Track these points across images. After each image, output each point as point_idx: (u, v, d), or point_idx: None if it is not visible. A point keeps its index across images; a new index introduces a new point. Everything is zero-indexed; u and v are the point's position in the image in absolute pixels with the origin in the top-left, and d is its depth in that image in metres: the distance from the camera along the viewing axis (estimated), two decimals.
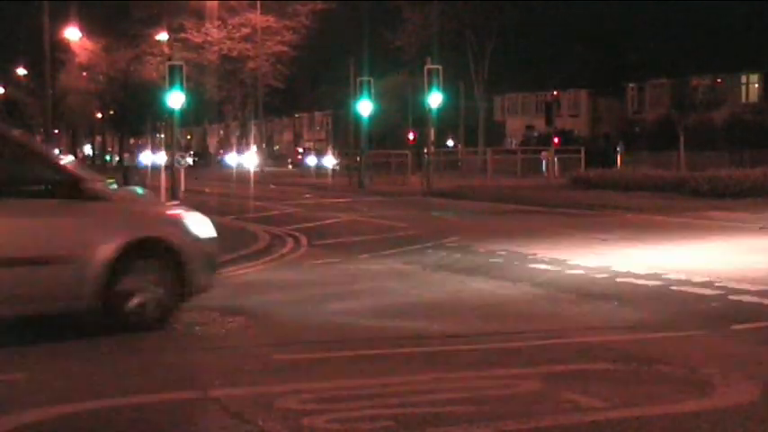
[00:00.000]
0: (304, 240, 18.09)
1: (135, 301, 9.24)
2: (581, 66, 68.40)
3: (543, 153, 47.49)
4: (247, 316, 10.26)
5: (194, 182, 40.38)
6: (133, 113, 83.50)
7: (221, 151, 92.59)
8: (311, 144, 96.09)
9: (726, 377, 7.34)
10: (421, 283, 12.97)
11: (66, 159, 11.83)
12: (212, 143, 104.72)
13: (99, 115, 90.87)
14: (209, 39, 69.48)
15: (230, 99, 76.76)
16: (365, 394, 6.93)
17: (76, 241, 9.01)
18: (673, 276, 12.67)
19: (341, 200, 32.75)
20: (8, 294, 8.68)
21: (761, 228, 20.43)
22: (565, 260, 14.60)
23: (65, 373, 7.63)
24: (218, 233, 10.24)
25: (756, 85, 59.23)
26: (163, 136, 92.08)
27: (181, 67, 32.74)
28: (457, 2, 63.35)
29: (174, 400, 6.88)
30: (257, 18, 66.15)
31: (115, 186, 11.76)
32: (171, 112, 32.96)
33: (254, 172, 52.51)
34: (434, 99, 37.42)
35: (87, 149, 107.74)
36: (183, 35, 68.19)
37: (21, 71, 76.78)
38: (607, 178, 34.58)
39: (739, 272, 13.07)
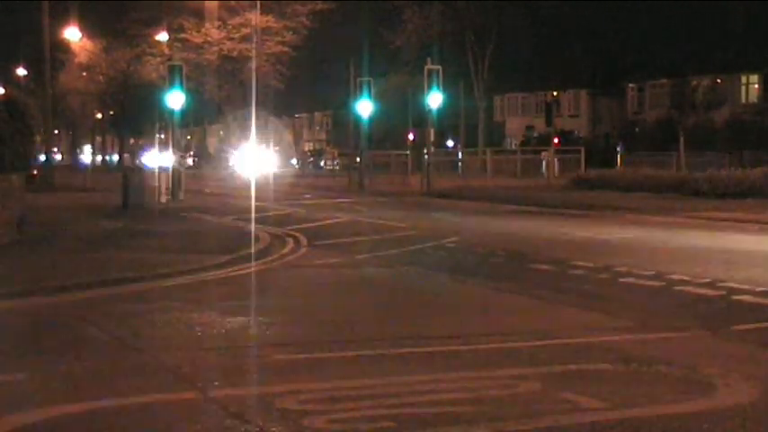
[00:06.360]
0: (304, 241, 18.07)
1: None
2: (581, 66, 68.32)
3: (543, 153, 47.48)
4: (247, 316, 10.25)
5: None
6: (133, 113, 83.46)
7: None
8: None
9: (726, 377, 7.34)
10: (421, 284, 12.98)
11: None
12: (212, 143, 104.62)
13: (99, 115, 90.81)
14: (209, 39, 69.43)
15: (230, 99, 76.70)
16: (365, 394, 6.92)
17: None
18: (674, 277, 12.67)
19: (341, 200, 32.73)
20: None
21: (761, 228, 20.46)
22: (565, 260, 14.60)
23: (65, 373, 7.61)
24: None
25: (756, 86, 59.16)
26: (163, 136, 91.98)
27: (181, 67, 32.80)
28: (457, 2, 63.35)
29: (174, 400, 6.87)
30: (257, 18, 66.09)
31: None
32: (171, 112, 33.00)
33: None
34: (434, 99, 37.38)
35: (87, 149, 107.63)
36: (182, 35, 68.17)
37: (21, 71, 76.72)
38: (607, 179, 34.56)
39: (740, 272, 13.08)
